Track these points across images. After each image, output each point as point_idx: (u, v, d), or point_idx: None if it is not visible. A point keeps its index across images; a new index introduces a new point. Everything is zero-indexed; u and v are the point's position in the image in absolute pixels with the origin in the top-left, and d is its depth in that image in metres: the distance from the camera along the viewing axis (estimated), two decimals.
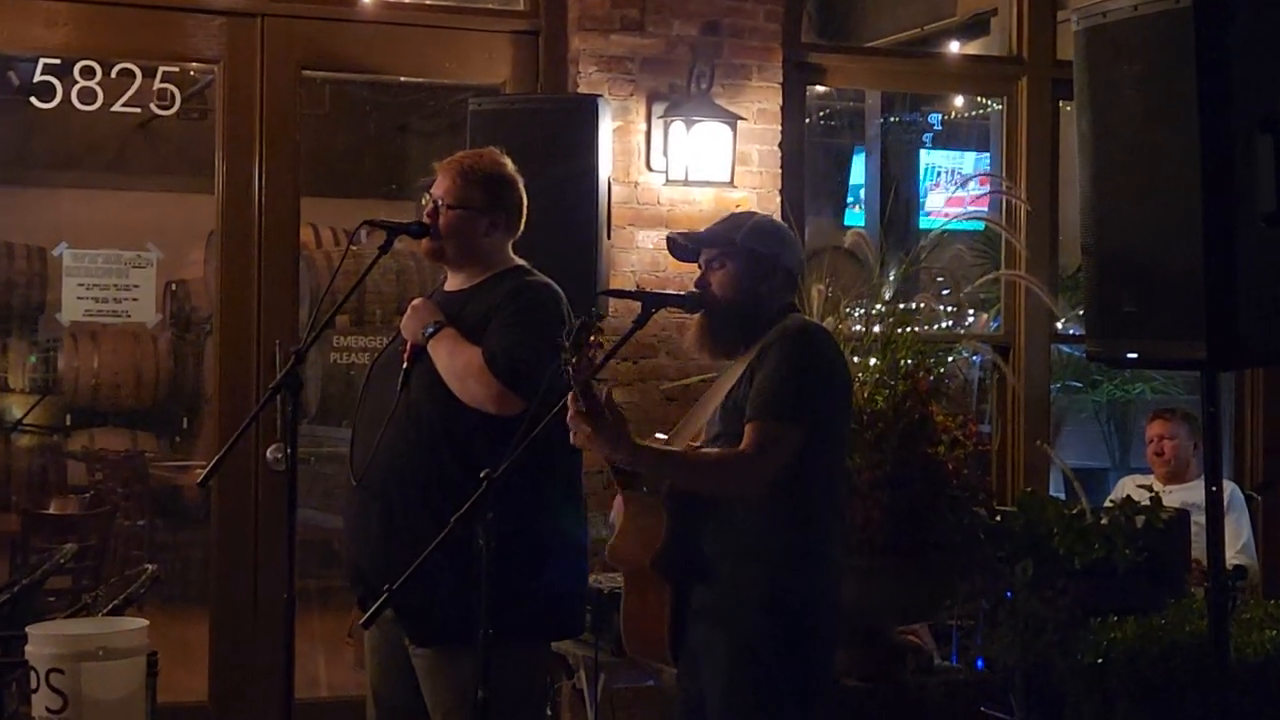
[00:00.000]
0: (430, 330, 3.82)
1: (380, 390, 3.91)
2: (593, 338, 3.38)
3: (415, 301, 3.96)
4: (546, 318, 3.80)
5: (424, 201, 3.97)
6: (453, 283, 4.00)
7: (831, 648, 3.74)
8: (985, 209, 7.66)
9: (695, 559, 3.65)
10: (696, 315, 3.83)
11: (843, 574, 3.73)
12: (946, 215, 11.54)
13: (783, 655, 3.58)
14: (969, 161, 12.42)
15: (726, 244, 3.79)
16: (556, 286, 3.92)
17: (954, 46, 8.67)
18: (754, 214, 4.03)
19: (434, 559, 3.29)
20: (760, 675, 3.58)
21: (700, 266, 3.84)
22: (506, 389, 3.68)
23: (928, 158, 12.63)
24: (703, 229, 3.97)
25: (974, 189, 11.30)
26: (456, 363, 3.75)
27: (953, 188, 12.12)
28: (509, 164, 4.01)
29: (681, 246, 3.88)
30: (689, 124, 6.11)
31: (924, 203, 12.29)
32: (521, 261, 3.99)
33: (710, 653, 3.63)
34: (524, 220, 4.01)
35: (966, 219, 6.67)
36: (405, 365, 3.85)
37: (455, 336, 3.79)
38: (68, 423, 11.02)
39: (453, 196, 3.91)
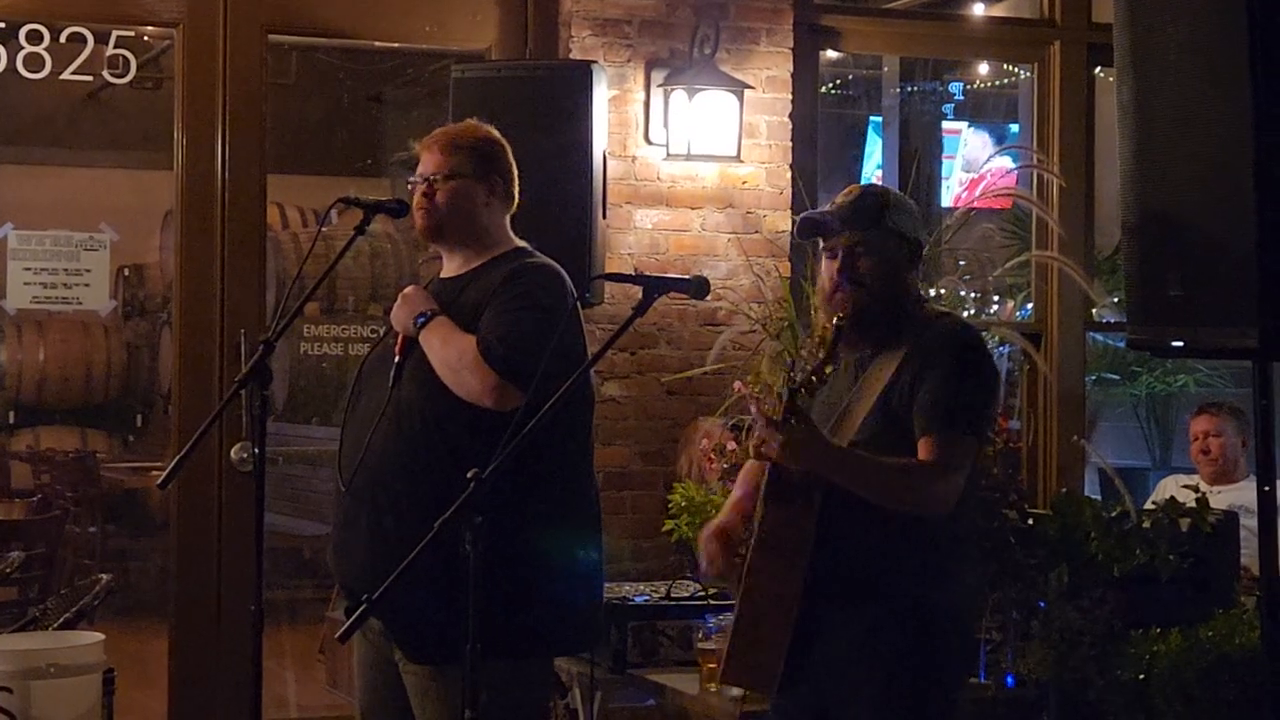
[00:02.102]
0: (421, 319, 3.80)
1: (371, 387, 3.90)
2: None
3: (406, 289, 3.94)
4: (548, 301, 3.78)
5: (409, 187, 3.96)
6: (449, 268, 3.99)
7: (967, 665, 3.92)
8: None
9: (844, 576, 3.64)
10: (853, 302, 3.70)
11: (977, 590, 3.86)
12: (959, 204, 11.55)
13: (932, 673, 3.65)
14: (985, 144, 12.39)
15: (874, 226, 3.71)
16: (559, 268, 3.91)
17: (979, 8, 8.66)
18: (883, 189, 3.93)
19: (423, 568, 3.26)
20: (913, 694, 3.63)
21: (835, 250, 3.73)
22: (504, 381, 3.65)
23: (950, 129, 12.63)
24: (831, 207, 3.81)
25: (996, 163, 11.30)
26: (449, 353, 3.73)
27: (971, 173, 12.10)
28: (493, 129, 4.03)
29: (816, 226, 3.76)
30: (691, 93, 6.10)
31: (945, 182, 12.27)
32: (522, 242, 3.99)
33: (851, 674, 3.65)
34: (518, 190, 4.01)
35: (996, 193, 6.65)
36: (396, 359, 3.84)
37: (448, 325, 3.78)
38: (11, 420, 11.02)
39: (445, 169, 3.91)
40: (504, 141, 4.01)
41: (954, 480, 3.58)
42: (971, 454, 3.63)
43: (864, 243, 3.70)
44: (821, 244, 3.78)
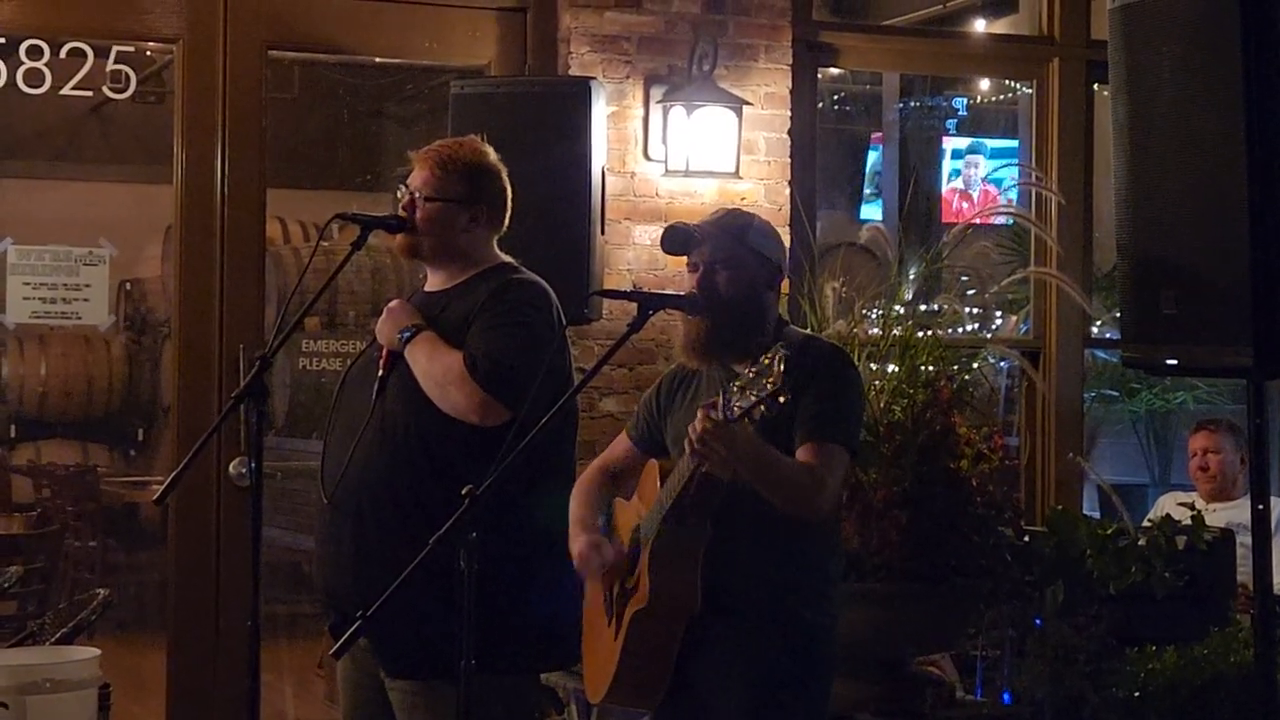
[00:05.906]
0: (406, 334, 3.82)
1: (354, 400, 3.91)
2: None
3: (391, 303, 3.96)
4: (534, 318, 3.80)
5: (399, 195, 3.98)
6: (433, 282, 4.01)
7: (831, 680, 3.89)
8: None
9: (727, 591, 3.67)
10: (695, 317, 3.83)
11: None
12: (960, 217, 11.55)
13: (808, 686, 3.73)
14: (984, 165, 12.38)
15: (736, 244, 3.80)
16: (545, 285, 3.92)
17: (979, 25, 8.69)
18: (748, 213, 4.01)
19: (411, 583, 3.28)
20: (788, 708, 3.69)
21: (697, 264, 3.82)
22: (489, 397, 3.68)
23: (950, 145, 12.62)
24: (700, 224, 3.93)
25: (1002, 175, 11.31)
26: (435, 369, 3.75)
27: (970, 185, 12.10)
28: (491, 152, 4.03)
29: (681, 237, 3.83)
30: (690, 109, 6.11)
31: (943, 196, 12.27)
32: (508, 258, 4.00)
33: (729, 687, 3.67)
34: (508, 214, 4.02)
35: (995, 212, 6.67)
36: (381, 373, 3.85)
37: (434, 340, 3.80)
38: (12, 434, 11.03)
39: (430, 188, 3.92)
40: (499, 166, 4.01)
41: (835, 487, 3.67)
42: (846, 466, 3.71)
43: (725, 259, 3.77)
44: (687, 259, 3.84)
